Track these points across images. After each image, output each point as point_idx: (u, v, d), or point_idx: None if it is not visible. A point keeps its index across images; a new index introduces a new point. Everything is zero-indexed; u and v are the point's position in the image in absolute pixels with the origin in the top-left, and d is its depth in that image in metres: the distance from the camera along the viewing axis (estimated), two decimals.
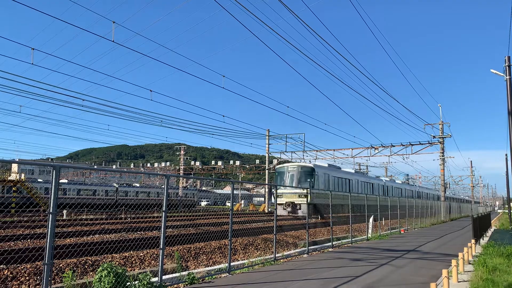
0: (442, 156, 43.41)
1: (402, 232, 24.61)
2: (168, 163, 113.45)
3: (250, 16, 12.92)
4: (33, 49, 15.07)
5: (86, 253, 10.83)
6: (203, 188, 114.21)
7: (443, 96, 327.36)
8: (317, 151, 48.13)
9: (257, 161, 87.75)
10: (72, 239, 14.38)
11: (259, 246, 15.41)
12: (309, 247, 14.13)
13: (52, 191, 6.07)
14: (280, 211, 31.87)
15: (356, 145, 46.45)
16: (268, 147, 47.78)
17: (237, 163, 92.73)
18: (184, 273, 9.23)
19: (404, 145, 43.46)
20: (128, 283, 7.08)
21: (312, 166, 34.70)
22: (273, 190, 32.81)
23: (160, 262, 7.77)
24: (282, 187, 32.06)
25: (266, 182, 53.81)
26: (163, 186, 9.47)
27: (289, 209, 32.69)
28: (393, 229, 24.65)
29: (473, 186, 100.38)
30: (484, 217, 22.43)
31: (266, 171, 53.98)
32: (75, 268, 9.08)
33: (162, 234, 7.83)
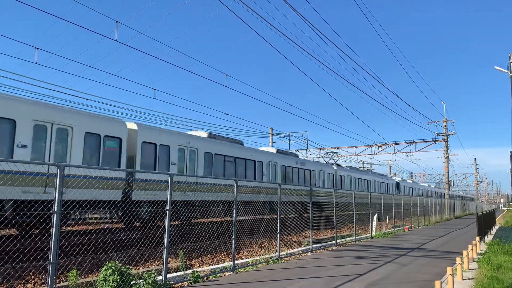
0: (446, 153, 43.27)
1: (406, 230, 24.57)
2: None
3: (253, 14, 12.92)
4: (37, 48, 15.10)
5: (91, 252, 10.87)
6: None
7: (447, 93, 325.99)
8: (320, 149, 48.07)
9: None
10: (77, 238, 14.43)
11: (263, 245, 15.44)
12: (313, 245, 14.13)
13: (57, 190, 6.09)
14: None
15: (359, 143, 46.48)
16: (272, 145, 47.69)
17: None
18: (188, 271, 9.26)
19: (408, 143, 43.36)
20: (132, 282, 7.11)
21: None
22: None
23: (164, 260, 7.79)
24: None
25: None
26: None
27: None
28: (397, 227, 24.61)
29: (478, 184, 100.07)
30: (488, 214, 22.35)
31: None
32: (79, 267, 9.13)
33: (166, 233, 7.85)
